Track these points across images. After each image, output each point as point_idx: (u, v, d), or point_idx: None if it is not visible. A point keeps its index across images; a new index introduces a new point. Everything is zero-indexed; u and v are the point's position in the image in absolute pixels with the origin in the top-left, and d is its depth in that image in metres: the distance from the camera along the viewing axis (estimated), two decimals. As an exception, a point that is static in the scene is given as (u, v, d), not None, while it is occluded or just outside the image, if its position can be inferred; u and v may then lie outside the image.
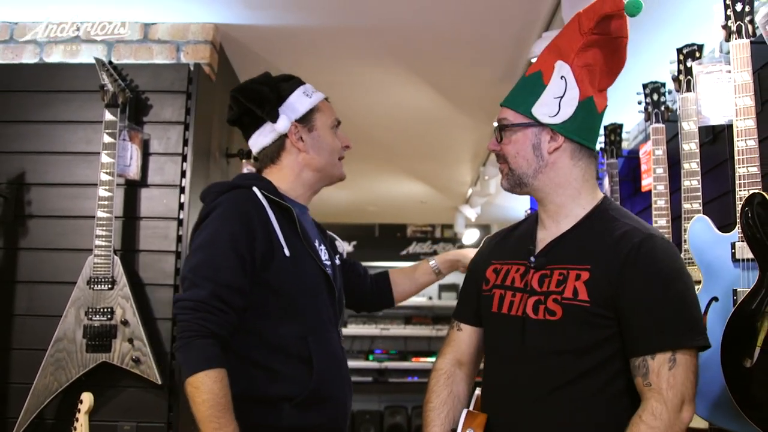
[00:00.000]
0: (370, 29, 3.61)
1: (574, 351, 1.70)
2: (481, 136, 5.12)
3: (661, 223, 3.10)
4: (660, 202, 3.13)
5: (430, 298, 9.29)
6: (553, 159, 1.82)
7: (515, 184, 1.87)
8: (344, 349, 2.18)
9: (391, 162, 6.19)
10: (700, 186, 2.76)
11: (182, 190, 3.23)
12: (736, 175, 2.33)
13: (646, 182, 3.79)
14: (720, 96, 2.71)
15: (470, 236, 8.56)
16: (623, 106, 4.13)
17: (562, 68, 1.78)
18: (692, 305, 1.70)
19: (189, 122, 3.29)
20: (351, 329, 9.51)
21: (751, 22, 2.43)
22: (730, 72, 2.46)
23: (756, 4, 2.47)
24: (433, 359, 10.30)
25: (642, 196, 3.99)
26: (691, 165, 2.77)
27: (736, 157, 2.34)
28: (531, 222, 1.96)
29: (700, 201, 2.74)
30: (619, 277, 1.68)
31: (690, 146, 2.78)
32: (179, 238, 3.18)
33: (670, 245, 1.75)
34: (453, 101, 4.55)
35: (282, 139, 2.16)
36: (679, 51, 2.95)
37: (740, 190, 2.29)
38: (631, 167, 4.27)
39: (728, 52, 2.46)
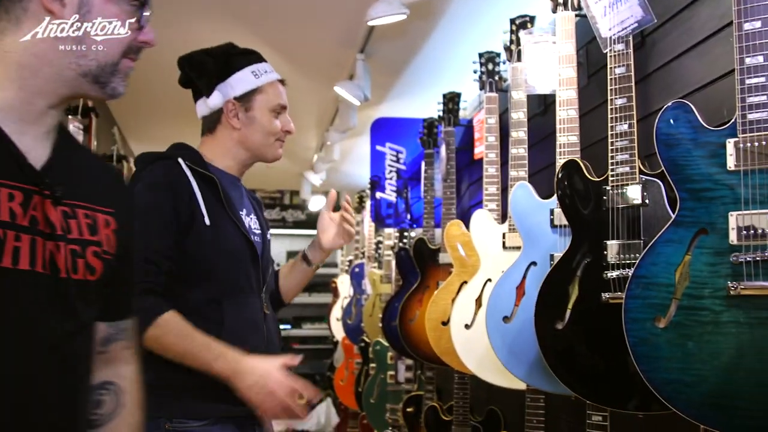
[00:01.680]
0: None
1: (90, 325, 1.27)
2: (323, 100, 5.07)
3: (491, 190, 3.16)
4: (491, 170, 3.18)
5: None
6: None
7: None
8: (271, 315, 2.23)
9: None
10: (526, 154, 2.82)
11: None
12: (557, 143, 2.39)
13: (479, 150, 3.87)
14: (546, 66, 2.78)
15: (317, 203, 8.53)
16: (463, 75, 4.19)
17: None
18: None
19: (5, 72, 3.05)
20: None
21: (578, -5, 2.48)
22: (555, 43, 2.51)
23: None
24: (309, 325, 10.25)
25: (478, 164, 4.06)
26: (519, 133, 2.82)
27: (557, 126, 2.40)
28: None
29: (526, 169, 2.80)
30: (128, 225, 1.36)
31: (518, 115, 2.84)
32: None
33: None
34: (294, 63, 4.47)
35: (219, 112, 2.19)
36: (512, 21, 2.99)
37: (560, 158, 2.35)
38: (468, 137, 4.34)
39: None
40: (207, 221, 2.05)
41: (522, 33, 2.88)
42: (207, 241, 2.05)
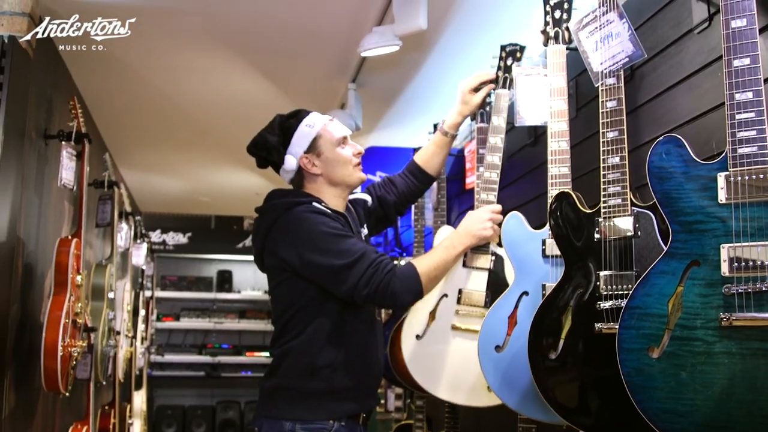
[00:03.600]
0: (202, 13, 3.50)
1: None
2: (315, 130, 5.10)
3: (482, 219, 3.17)
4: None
5: (266, 291, 9.19)
6: None
7: None
8: (380, 320, 2.59)
9: (224, 152, 6.05)
10: (497, 179, 2.79)
11: (-11, 171, 3.01)
12: (549, 174, 2.42)
13: (470, 180, 3.89)
14: (537, 98, 2.81)
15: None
16: (453, 105, 4.24)
17: None
18: None
19: (1, 99, 3.06)
20: (184, 323, 9.27)
21: (568, 29, 2.52)
22: (546, 76, 2.55)
23: (573, 12, 2.57)
24: (267, 354, 10.23)
25: (469, 194, 4.09)
26: (494, 158, 2.82)
27: (549, 158, 2.43)
28: None
29: (496, 193, 2.77)
30: None
31: (495, 140, 2.84)
32: (-17, 224, 2.96)
33: None
34: (287, 92, 4.50)
35: (299, 170, 2.52)
36: (503, 48, 3.02)
37: (551, 189, 2.38)
38: (459, 166, 4.37)
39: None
40: None
41: (513, 65, 2.91)
42: None
